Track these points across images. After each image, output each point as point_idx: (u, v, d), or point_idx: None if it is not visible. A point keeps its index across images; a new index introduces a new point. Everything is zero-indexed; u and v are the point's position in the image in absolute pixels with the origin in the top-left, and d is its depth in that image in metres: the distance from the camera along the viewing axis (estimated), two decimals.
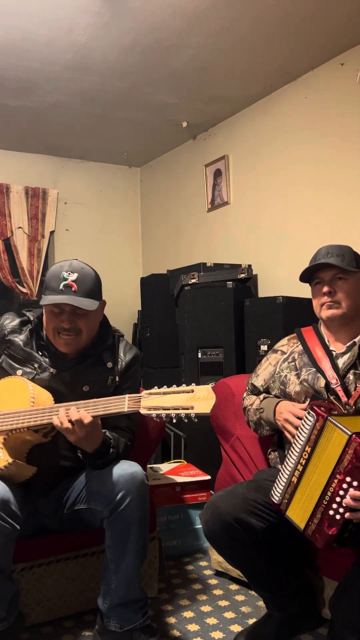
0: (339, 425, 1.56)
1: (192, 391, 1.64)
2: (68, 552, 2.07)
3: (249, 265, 3.66)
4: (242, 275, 3.59)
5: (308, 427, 1.63)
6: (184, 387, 1.66)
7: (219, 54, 3.15)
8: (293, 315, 3.01)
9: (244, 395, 2.17)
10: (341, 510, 1.52)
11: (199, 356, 3.38)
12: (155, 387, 1.70)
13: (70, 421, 1.72)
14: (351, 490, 1.50)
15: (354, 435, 1.51)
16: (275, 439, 2.05)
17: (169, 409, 1.64)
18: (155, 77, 3.42)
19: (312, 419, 1.62)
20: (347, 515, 1.50)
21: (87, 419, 1.71)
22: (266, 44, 3.06)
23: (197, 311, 3.39)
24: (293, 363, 1.98)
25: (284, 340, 2.11)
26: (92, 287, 1.92)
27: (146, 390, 1.70)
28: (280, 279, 3.58)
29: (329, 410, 1.63)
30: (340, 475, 1.52)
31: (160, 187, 4.96)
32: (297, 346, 2.01)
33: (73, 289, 1.86)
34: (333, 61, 3.23)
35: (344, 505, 1.51)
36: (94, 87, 3.53)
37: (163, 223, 4.92)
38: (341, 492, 1.52)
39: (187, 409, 1.62)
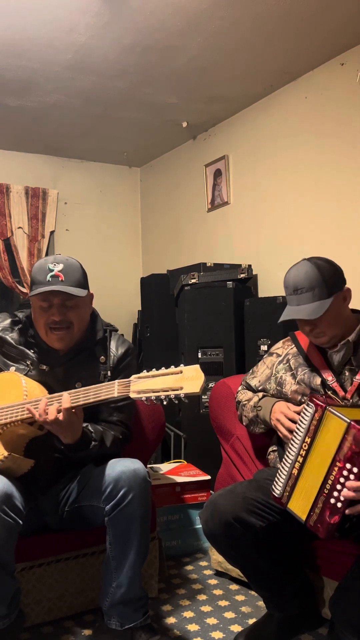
0: (337, 413, 1.58)
1: (181, 372, 1.63)
2: (68, 552, 2.07)
3: (249, 265, 3.66)
4: (242, 275, 3.59)
5: (307, 418, 1.65)
6: (172, 369, 1.65)
7: (219, 54, 3.15)
8: None
9: (239, 389, 2.20)
10: (342, 498, 1.52)
11: (199, 356, 3.39)
12: (144, 370, 1.70)
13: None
14: (349, 482, 1.51)
15: (352, 422, 1.52)
16: (274, 439, 2.06)
17: (158, 391, 1.63)
18: (155, 77, 3.42)
19: (311, 410, 1.64)
20: (347, 511, 1.51)
21: (66, 403, 1.71)
22: (266, 44, 3.06)
23: (197, 311, 3.39)
24: (288, 364, 2.01)
25: (279, 344, 2.14)
26: (79, 276, 1.93)
27: (135, 375, 1.69)
28: (280, 279, 3.53)
29: (327, 402, 1.65)
30: (340, 463, 1.53)
31: (160, 187, 4.96)
32: (291, 348, 2.05)
33: (60, 279, 1.87)
34: (333, 61, 3.23)
35: (344, 496, 1.52)
36: (94, 87, 3.53)
37: (163, 223, 4.92)
38: (342, 480, 1.53)
39: (177, 389, 1.60)
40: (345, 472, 1.52)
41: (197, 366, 1.63)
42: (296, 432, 1.68)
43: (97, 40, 2.98)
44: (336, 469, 1.54)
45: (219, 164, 4.15)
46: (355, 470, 1.51)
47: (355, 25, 2.89)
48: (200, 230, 4.41)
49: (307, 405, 1.67)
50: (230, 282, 3.39)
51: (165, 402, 1.63)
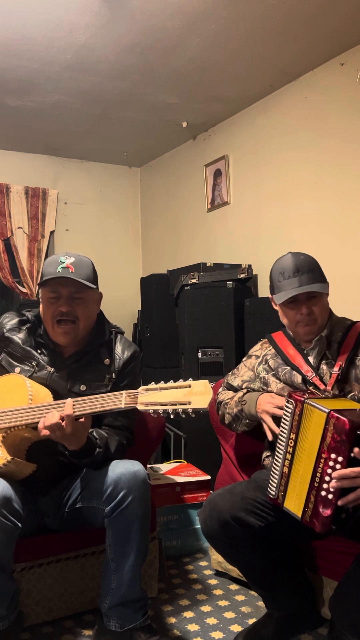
0: (316, 405, 1.60)
1: (189, 386, 1.63)
2: (68, 552, 2.07)
3: (249, 265, 3.66)
4: (242, 275, 3.59)
5: (289, 415, 1.68)
6: (181, 382, 1.65)
7: (219, 54, 3.15)
8: None
9: (219, 390, 2.21)
10: (332, 489, 1.53)
11: (199, 356, 3.38)
12: (153, 382, 1.70)
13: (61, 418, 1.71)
14: (335, 472, 1.52)
15: (331, 412, 1.55)
16: (266, 444, 2.07)
17: (166, 405, 1.62)
18: (155, 77, 3.42)
19: (291, 406, 1.68)
20: (339, 502, 1.51)
21: (68, 410, 1.70)
22: (266, 44, 3.06)
23: (197, 311, 3.39)
24: (267, 365, 2.04)
25: (257, 346, 2.17)
26: (89, 272, 1.95)
27: (143, 386, 1.69)
28: None
29: (306, 396, 1.68)
30: (325, 454, 1.55)
31: (160, 187, 4.96)
32: (269, 349, 2.08)
33: (71, 271, 1.89)
34: (333, 61, 3.23)
35: (332, 486, 1.52)
36: (94, 87, 3.53)
37: (163, 223, 4.92)
38: (329, 471, 1.54)
39: (185, 404, 1.60)
40: (331, 463, 1.54)
41: (206, 381, 1.63)
42: (281, 430, 1.70)
43: (97, 40, 2.98)
44: (322, 460, 1.56)
45: (219, 164, 4.15)
46: (340, 459, 1.52)
47: (355, 25, 2.89)
48: (200, 230, 4.41)
49: (287, 402, 1.70)
50: (230, 282, 3.39)
51: (172, 416, 1.63)
